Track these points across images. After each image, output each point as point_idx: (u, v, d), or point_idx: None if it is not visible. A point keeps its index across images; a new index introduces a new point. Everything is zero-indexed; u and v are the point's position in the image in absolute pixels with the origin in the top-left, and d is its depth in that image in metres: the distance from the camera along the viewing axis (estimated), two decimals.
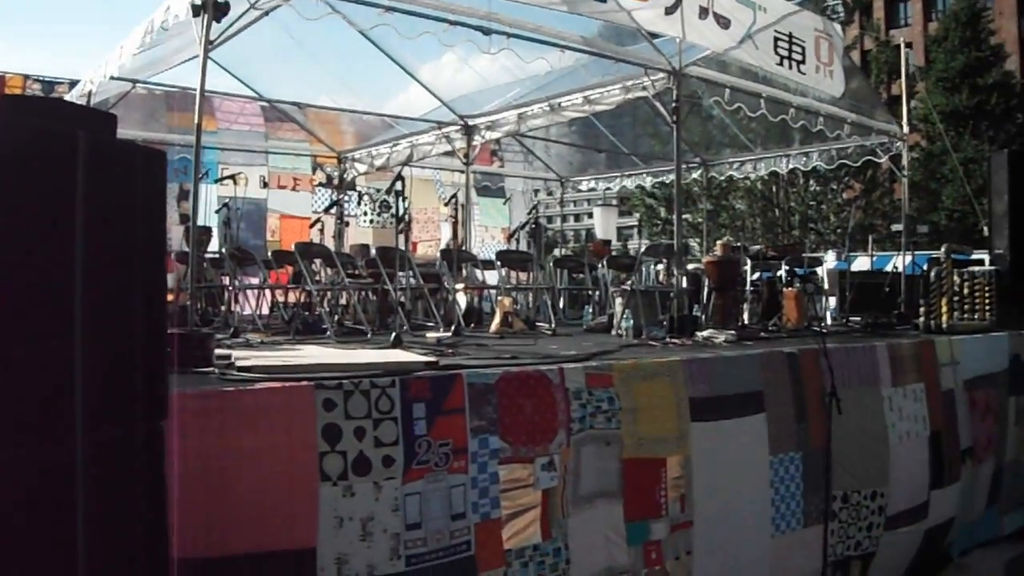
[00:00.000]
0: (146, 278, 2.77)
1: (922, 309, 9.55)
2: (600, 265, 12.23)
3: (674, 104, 8.98)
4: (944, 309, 9.35)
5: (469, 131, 12.92)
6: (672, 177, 11.88)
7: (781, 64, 9.56)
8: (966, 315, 9.56)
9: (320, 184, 15.96)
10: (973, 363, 8.52)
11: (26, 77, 13.40)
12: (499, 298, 9.93)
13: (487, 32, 8.12)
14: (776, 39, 9.43)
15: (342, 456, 4.16)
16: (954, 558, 8.38)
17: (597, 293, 12.35)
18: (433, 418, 4.53)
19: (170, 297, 9.08)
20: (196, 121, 6.86)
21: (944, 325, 9.20)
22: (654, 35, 9.00)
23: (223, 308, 10.47)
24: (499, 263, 11.21)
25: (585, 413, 5.26)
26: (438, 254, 11.77)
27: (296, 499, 4.06)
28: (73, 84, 11.82)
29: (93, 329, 2.49)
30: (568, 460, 5.13)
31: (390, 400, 4.38)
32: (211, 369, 4.96)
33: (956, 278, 9.67)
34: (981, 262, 11.08)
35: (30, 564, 2.31)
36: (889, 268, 13.80)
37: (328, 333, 8.44)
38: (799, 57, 9.75)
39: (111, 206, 2.62)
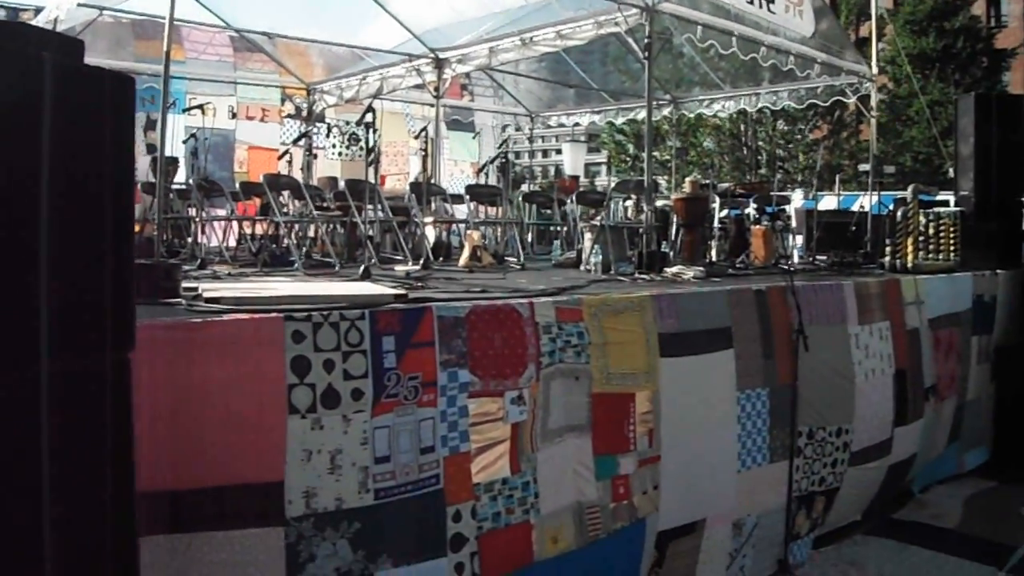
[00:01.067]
0: (114, 207, 2.72)
1: (888, 249, 9.61)
2: (569, 200, 12.22)
3: (646, 40, 8.90)
4: (910, 249, 9.41)
5: (440, 64, 12.79)
6: (642, 114, 11.85)
7: (752, 3, 9.51)
8: (931, 255, 9.65)
9: (289, 116, 15.79)
10: (937, 303, 8.61)
11: None
12: (468, 232, 9.91)
13: None
14: None
15: (311, 388, 4.14)
16: (915, 494, 8.54)
17: (565, 229, 12.35)
18: (403, 351, 4.52)
19: (136, 229, 8.98)
20: (165, 50, 6.78)
21: (909, 265, 9.27)
22: None
23: (190, 240, 10.38)
24: (468, 197, 11.18)
25: (555, 347, 5.26)
26: (407, 187, 11.71)
27: (264, 432, 4.04)
28: (39, 11, 11.57)
29: (58, 258, 2.45)
30: (537, 394, 5.14)
31: (359, 333, 4.35)
32: (178, 300, 4.93)
33: (922, 219, 9.75)
34: (946, 203, 11.17)
35: None
36: (855, 208, 13.88)
37: (296, 266, 8.41)
38: None
39: (78, 132, 2.57)
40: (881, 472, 7.79)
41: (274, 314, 4.21)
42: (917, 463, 8.31)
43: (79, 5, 9.27)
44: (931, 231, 9.73)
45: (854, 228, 11.22)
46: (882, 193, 11.88)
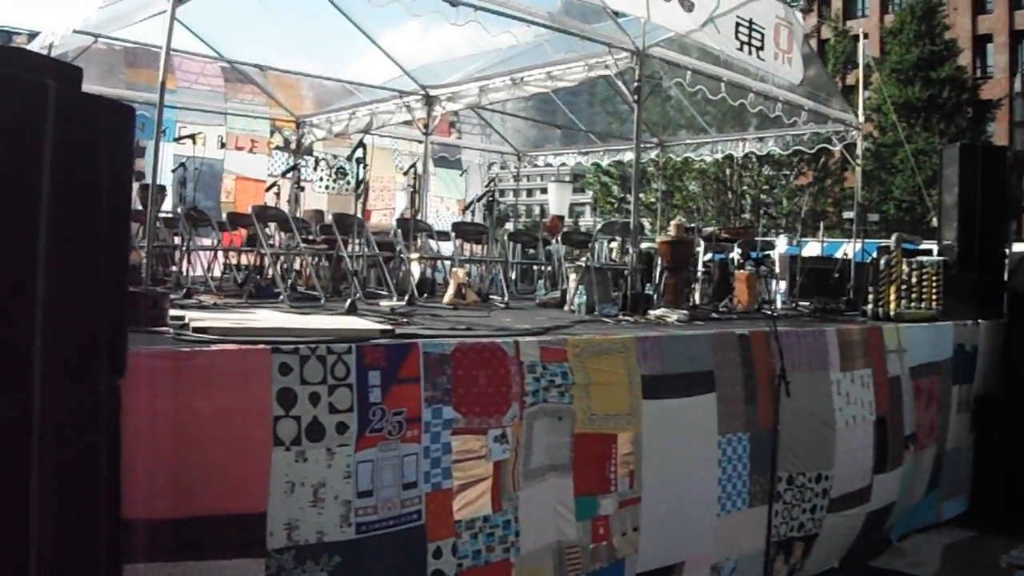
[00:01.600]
0: (111, 234, 2.75)
1: (870, 296, 9.66)
2: (554, 240, 12.27)
3: (636, 84, 8.98)
4: (892, 297, 9.46)
5: (430, 101, 12.84)
6: (628, 156, 11.95)
7: (741, 49, 9.61)
8: (913, 304, 9.69)
9: (277, 147, 15.83)
10: (919, 351, 8.66)
11: None
12: (453, 269, 9.93)
13: (455, 3, 8.07)
14: (737, 24, 9.47)
15: (296, 421, 4.16)
16: (894, 542, 8.54)
17: (549, 268, 12.39)
18: (388, 386, 4.54)
19: None
20: (160, 79, 6.80)
21: (892, 313, 9.32)
22: (619, 14, 8.98)
23: (174, 269, 10.37)
24: (454, 234, 11.20)
25: (539, 387, 5.29)
26: (393, 223, 11.73)
27: (248, 463, 4.05)
28: (32, 36, 11.60)
29: (55, 284, 2.47)
30: (520, 433, 5.16)
31: (346, 367, 4.38)
32: (165, 329, 4.93)
33: (905, 267, 9.80)
34: (930, 252, 11.23)
35: None
36: (839, 255, 13.95)
37: (281, 297, 8.41)
38: (758, 43, 9.79)
39: (78, 159, 2.60)
40: (860, 519, 7.81)
41: (261, 346, 4.22)
42: (896, 511, 8.34)
43: (79, 32, 9.32)
44: (914, 280, 9.78)
45: (837, 275, 11.27)
46: (866, 241, 12.00)
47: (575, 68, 10.19)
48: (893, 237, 10.49)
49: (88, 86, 2.94)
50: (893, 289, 9.49)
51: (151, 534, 3.71)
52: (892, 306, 9.39)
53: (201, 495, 3.88)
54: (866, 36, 16.72)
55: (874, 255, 10.56)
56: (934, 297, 9.75)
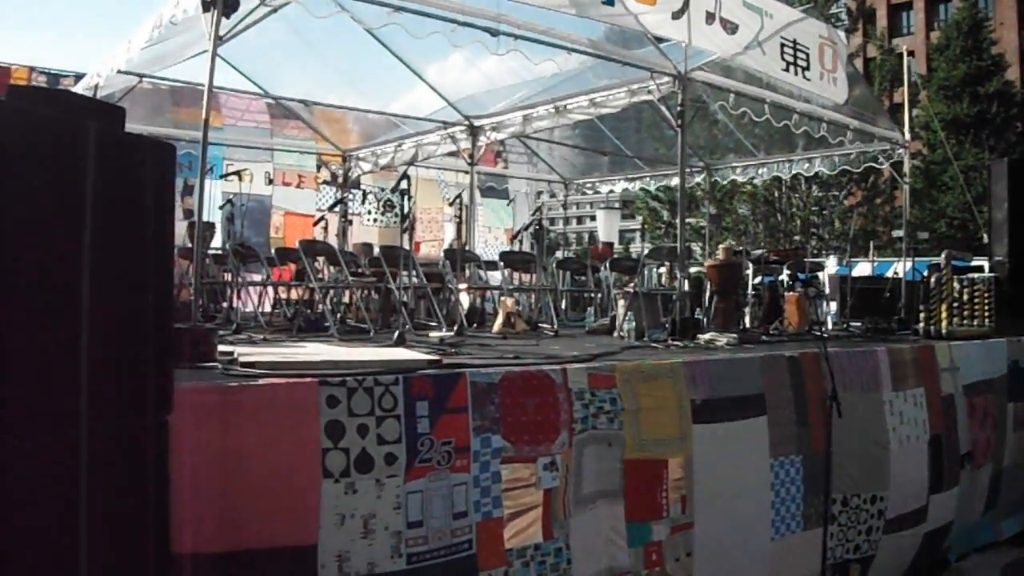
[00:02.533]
0: (154, 271, 2.78)
1: (922, 315, 9.56)
2: (603, 267, 12.25)
3: (679, 108, 8.98)
4: (944, 315, 9.36)
5: (474, 131, 12.92)
6: (675, 181, 11.88)
7: (787, 70, 9.58)
8: (965, 321, 9.58)
9: (325, 182, 15.98)
10: (972, 369, 8.54)
11: (32, 69, 13.41)
12: (502, 299, 9.94)
13: (495, 33, 8.13)
14: (782, 45, 9.46)
15: (345, 453, 4.17)
16: (952, 562, 8.40)
17: (599, 295, 12.37)
18: (436, 416, 4.54)
19: None
20: (204, 117, 6.88)
21: (943, 331, 9.21)
22: (660, 39, 9.01)
23: (225, 305, 10.47)
24: (502, 264, 11.22)
25: (587, 413, 5.27)
26: (441, 254, 11.78)
27: (298, 496, 4.07)
28: (79, 77, 11.82)
29: (100, 321, 2.50)
30: (570, 460, 5.14)
31: (393, 398, 4.39)
32: (214, 364, 4.98)
33: (956, 284, 9.69)
34: (981, 269, 11.11)
35: (32, 557, 2.32)
36: (890, 274, 13.83)
37: (331, 331, 8.45)
38: (804, 64, 9.77)
39: (120, 198, 2.63)
40: (917, 540, 7.70)
41: (309, 379, 4.25)
42: (953, 531, 8.20)
43: (120, 72, 9.48)
44: (965, 297, 9.67)
45: (888, 294, 11.17)
46: (916, 259, 11.85)
47: (618, 94, 10.23)
48: (943, 254, 10.36)
49: (135, 126, 2.98)
50: (944, 307, 9.38)
51: (201, 569, 3.74)
52: (944, 324, 9.28)
53: (251, 528, 3.90)
54: (912, 54, 16.62)
55: (925, 273, 10.45)
56: (986, 314, 9.63)
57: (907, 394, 7.63)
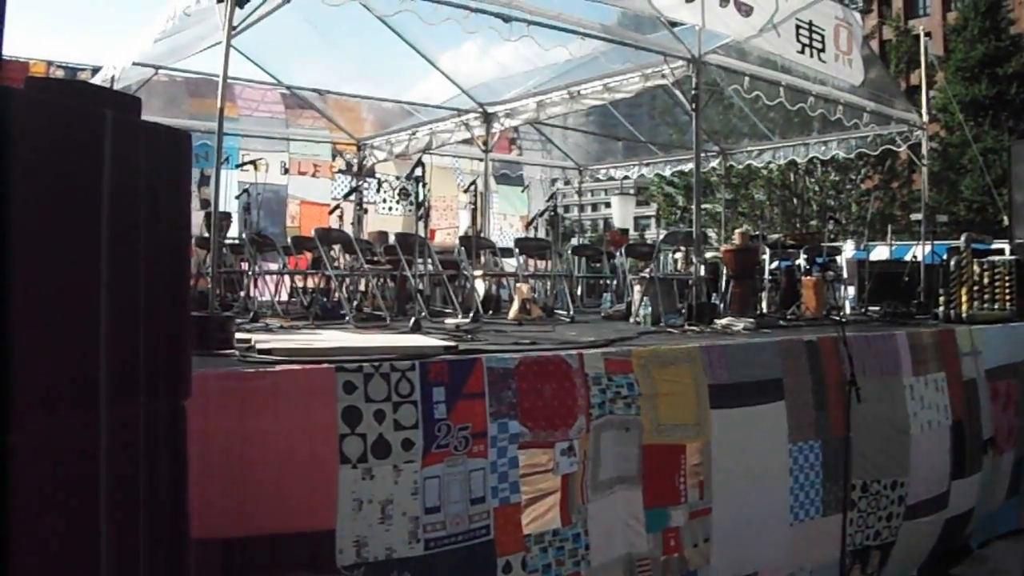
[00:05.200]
0: (170, 257, 2.78)
1: (941, 298, 9.50)
2: (618, 253, 12.22)
3: (693, 92, 8.94)
4: (964, 298, 9.31)
5: (488, 118, 12.89)
6: (690, 166, 11.85)
7: (802, 52, 9.53)
8: (986, 305, 9.53)
9: (340, 171, 15.98)
10: (994, 353, 8.49)
11: (49, 63, 13.44)
12: (517, 285, 9.92)
13: (508, 19, 8.11)
14: (797, 27, 9.40)
15: (362, 439, 4.18)
16: (973, 549, 8.37)
17: (615, 281, 12.34)
18: (453, 402, 4.54)
19: (191, 282, 9.09)
20: (219, 107, 6.87)
21: (964, 315, 9.15)
22: (674, 23, 8.96)
23: (242, 294, 10.49)
24: (518, 250, 11.20)
25: (604, 399, 5.26)
26: (457, 241, 11.77)
27: (315, 481, 4.07)
28: (95, 71, 11.84)
29: (117, 307, 2.50)
30: (588, 445, 5.13)
31: (410, 383, 4.39)
32: (231, 352, 4.98)
33: (976, 267, 9.64)
34: (1001, 251, 11.03)
35: (51, 541, 2.32)
36: (908, 258, 13.75)
37: (347, 319, 8.45)
38: (819, 45, 9.73)
39: (136, 186, 2.63)
40: (938, 526, 7.66)
41: (325, 365, 4.25)
42: (975, 517, 8.16)
43: (135, 64, 9.49)
44: (986, 280, 9.62)
45: (907, 278, 11.10)
46: (935, 243, 11.78)
47: (632, 79, 10.18)
48: (963, 237, 10.31)
49: (151, 117, 2.97)
50: (964, 290, 9.34)
51: (222, 553, 3.75)
52: (964, 308, 9.24)
53: (269, 514, 3.90)
54: (928, 35, 16.48)
55: (944, 257, 10.39)
56: (1007, 297, 9.58)
57: (928, 379, 7.59)
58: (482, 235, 12.18)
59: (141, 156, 2.67)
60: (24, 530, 2.21)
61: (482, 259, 11.30)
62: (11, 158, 2.17)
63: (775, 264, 11.15)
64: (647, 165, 17.04)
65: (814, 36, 9.61)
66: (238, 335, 5.52)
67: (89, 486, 2.42)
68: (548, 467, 4.94)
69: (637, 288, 9.17)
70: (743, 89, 9.67)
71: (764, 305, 10.21)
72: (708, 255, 10.56)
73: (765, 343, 6.60)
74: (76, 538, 2.39)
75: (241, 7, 6.92)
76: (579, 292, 12.84)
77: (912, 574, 7.61)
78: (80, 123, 2.48)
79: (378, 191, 16.23)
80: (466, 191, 13.19)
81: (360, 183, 15.07)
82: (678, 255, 11.56)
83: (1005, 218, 11.87)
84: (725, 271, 10.32)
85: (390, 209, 16.50)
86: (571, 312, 9.75)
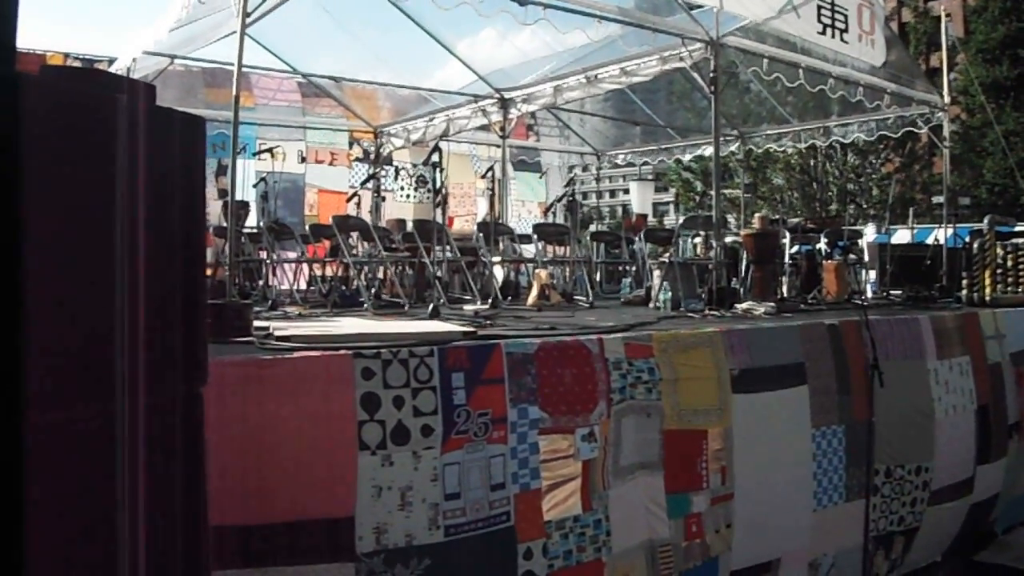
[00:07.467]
0: (185, 242, 2.75)
1: (964, 282, 9.42)
2: (637, 239, 12.16)
3: (712, 75, 8.87)
4: (987, 281, 9.23)
5: (505, 104, 12.85)
6: (709, 150, 11.80)
7: (824, 33, 9.44)
8: (1010, 288, 9.45)
9: (357, 159, 15.97)
10: (1019, 336, 8.40)
11: (66, 55, 13.50)
12: (536, 271, 9.88)
13: (523, 3, 8.05)
14: (819, 7, 9.31)
15: (381, 425, 4.15)
16: (999, 535, 8.29)
17: (634, 267, 12.29)
18: (472, 387, 4.51)
19: (208, 272, 9.10)
20: (234, 95, 6.86)
21: (987, 298, 9.08)
22: (691, 5, 8.90)
23: (261, 282, 10.49)
24: (536, 237, 11.16)
25: (625, 383, 5.22)
26: (475, 228, 11.73)
27: (335, 468, 4.06)
28: (112, 62, 11.87)
29: (133, 295, 2.48)
30: (608, 431, 5.09)
31: (429, 369, 4.36)
32: (250, 339, 4.96)
33: (999, 250, 9.55)
34: None
35: (68, 532, 2.31)
36: (930, 241, 13.65)
37: (365, 306, 8.43)
38: (842, 25, 9.62)
39: (150, 172, 2.60)
40: (962, 512, 7.59)
41: (343, 351, 4.22)
42: (1001, 503, 8.09)
43: (149, 53, 9.49)
44: (1009, 263, 9.53)
45: (929, 262, 11.01)
46: (957, 226, 11.68)
47: (649, 62, 10.11)
48: (986, 220, 10.20)
49: (168, 106, 2.95)
50: (988, 273, 9.25)
51: (242, 540, 3.73)
52: (987, 291, 9.16)
53: (288, 500, 3.89)
54: (949, 16, 16.35)
55: (967, 240, 10.29)
56: None
57: (952, 362, 7.51)
58: (500, 221, 12.13)
59: (155, 141, 2.64)
60: (40, 522, 2.19)
61: (500, 245, 11.26)
62: (23, 143, 2.14)
63: (795, 248, 11.07)
64: (665, 150, 16.94)
65: (836, 16, 9.51)
66: (257, 323, 5.50)
67: (106, 474, 2.40)
68: (569, 453, 4.91)
69: (657, 273, 9.12)
70: (762, 71, 9.58)
71: (784, 289, 10.14)
72: (728, 239, 10.47)
73: (787, 327, 6.54)
74: (93, 528, 2.37)
75: None
76: (598, 278, 12.78)
77: (936, 560, 7.55)
78: (93, 108, 2.45)
79: (395, 178, 16.18)
80: (484, 176, 13.17)
81: (377, 171, 15.03)
82: (697, 240, 11.50)
83: None
84: (745, 256, 10.25)
85: (408, 196, 16.46)
86: (590, 298, 9.71)
